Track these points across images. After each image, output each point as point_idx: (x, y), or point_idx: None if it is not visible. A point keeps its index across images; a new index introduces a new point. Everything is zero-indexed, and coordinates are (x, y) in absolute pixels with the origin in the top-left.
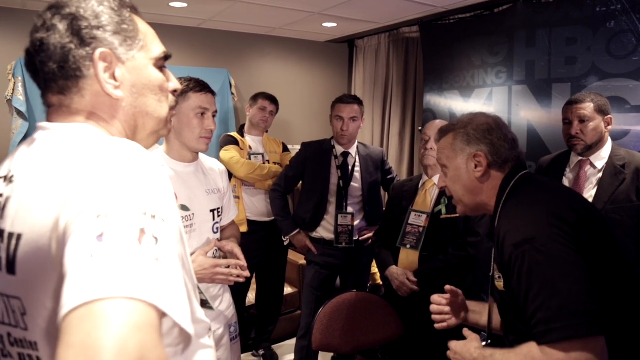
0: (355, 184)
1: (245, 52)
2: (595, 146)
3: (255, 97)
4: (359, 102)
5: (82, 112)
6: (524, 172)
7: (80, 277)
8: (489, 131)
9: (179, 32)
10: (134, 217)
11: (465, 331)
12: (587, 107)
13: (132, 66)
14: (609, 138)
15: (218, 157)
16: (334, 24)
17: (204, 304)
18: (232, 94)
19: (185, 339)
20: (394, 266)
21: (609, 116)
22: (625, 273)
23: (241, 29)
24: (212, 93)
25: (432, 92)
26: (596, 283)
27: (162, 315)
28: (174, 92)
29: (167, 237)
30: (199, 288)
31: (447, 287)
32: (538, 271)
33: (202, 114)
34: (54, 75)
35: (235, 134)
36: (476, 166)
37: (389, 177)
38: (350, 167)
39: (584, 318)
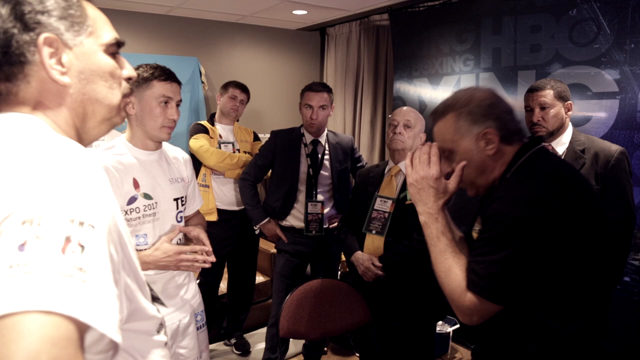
0: (325, 172)
1: (215, 40)
2: (557, 132)
3: (225, 86)
4: (329, 90)
5: (28, 101)
6: (540, 147)
7: None
8: (492, 105)
9: (148, 19)
10: (60, 224)
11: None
12: (547, 94)
13: (80, 52)
14: (570, 123)
15: (187, 146)
16: (304, 12)
17: (156, 299)
18: (202, 82)
19: (115, 346)
20: (359, 252)
21: (569, 102)
22: (606, 263)
23: (211, 17)
24: (177, 82)
25: (402, 79)
26: (559, 272)
27: (86, 326)
28: (129, 79)
29: (95, 244)
30: (148, 285)
31: None
32: (501, 242)
33: (166, 102)
34: None
35: (205, 123)
36: (487, 144)
37: (358, 165)
38: (320, 155)
39: (503, 291)
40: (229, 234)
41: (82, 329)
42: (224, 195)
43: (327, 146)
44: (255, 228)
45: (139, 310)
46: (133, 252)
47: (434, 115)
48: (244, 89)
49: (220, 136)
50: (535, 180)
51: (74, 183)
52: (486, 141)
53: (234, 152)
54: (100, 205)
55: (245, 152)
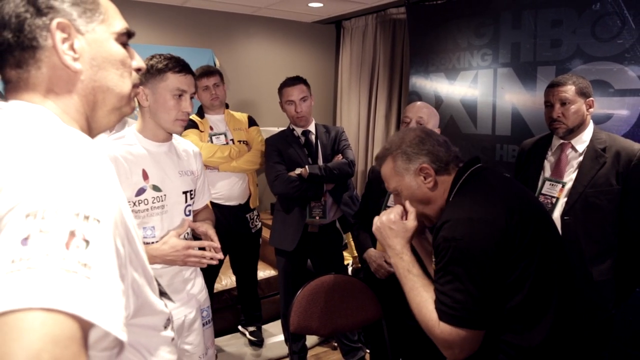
0: (320, 158)
1: (230, 32)
2: (577, 129)
3: None
4: (304, 81)
5: (38, 88)
6: (476, 167)
7: None
8: (422, 142)
9: (163, 10)
10: (64, 218)
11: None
12: (569, 90)
13: (92, 38)
14: (591, 121)
15: None
16: (320, 4)
17: (163, 294)
18: None
19: (120, 343)
20: (372, 249)
21: (591, 99)
22: (566, 267)
23: (226, 8)
24: (192, 74)
25: (418, 74)
26: (508, 283)
27: (90, 324)
28: (138, 70)
29: (100, 239)
30: (156, 280)
31: None
32: (454, 267)
33: (180, 95)
34: (9, 46)
35: (193, 117)
36: (425, 178)
37: (341, 145)
38: (313, 143)
39: (474, 314)
40: (225, 230)
41: (85, 327)
42: (217, 190)
43: (316, 133)
44: (252, 226)
45: (147, 305)
46: (140, 246)
47: (378, 160)
48: (209, 72)
49: (212, 128)
50: (470, 200)
51: (79, 176)
52: (424, 175)
53: (226, 143)
54: (106, 198)
55: (240, 141)
